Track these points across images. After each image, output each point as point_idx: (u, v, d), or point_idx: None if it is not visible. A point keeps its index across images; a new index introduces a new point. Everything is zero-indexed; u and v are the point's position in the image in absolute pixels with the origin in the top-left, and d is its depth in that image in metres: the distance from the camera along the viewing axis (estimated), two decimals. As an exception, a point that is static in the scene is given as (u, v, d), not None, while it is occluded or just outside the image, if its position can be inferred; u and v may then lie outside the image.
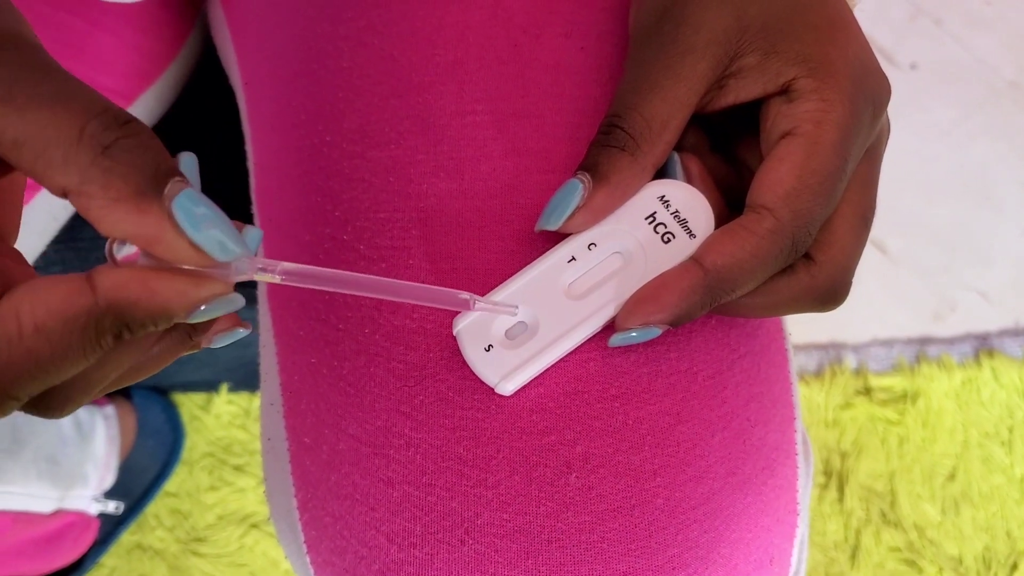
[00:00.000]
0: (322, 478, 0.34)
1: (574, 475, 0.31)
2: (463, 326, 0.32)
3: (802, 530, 0.36)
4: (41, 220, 0.49)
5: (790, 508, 0.35)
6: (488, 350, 0.31)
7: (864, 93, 0.31)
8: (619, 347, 0.33)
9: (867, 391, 0.93)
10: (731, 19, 0.31)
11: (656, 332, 0.30)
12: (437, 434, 0.32)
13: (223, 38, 0.50)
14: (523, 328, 0.32)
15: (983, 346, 0.96)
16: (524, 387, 0.32)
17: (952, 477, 0.90)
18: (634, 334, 0.30)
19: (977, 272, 0.98)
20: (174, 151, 0.24)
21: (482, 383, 0.32)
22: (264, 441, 0.39)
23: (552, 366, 0.32)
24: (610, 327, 0.32)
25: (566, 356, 0.32)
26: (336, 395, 0.35)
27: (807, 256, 0.31)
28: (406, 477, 0.32)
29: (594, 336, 0.32)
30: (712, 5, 0.31)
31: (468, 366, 0.32)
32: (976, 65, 1.03)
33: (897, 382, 0.93)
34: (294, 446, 0.36)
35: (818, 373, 0.94)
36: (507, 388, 0.31)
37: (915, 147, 1.01)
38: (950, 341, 0.96)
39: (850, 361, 0.95)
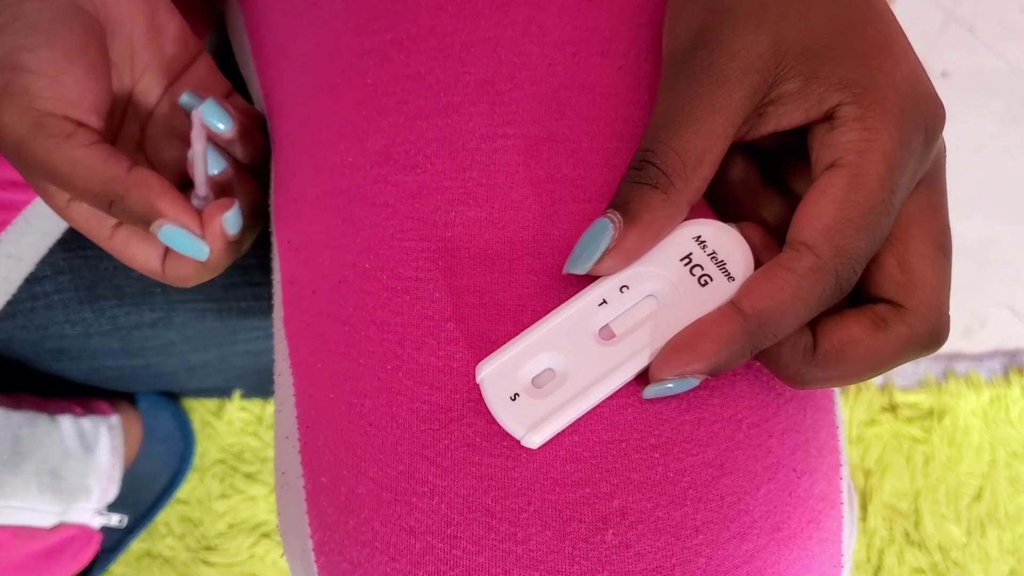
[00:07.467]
0: (340, 521, 0.33)
1: (610, 531, 0.29)
2: (486, 373, 0.30)
3: (846, 583, 0.34)
4: (43, 221, 0.48)
5: (835, 561, 0.33)
6: (514, 399, 0.29)
7: (914, 119, 0.29)
8: None
9: (892, 408, 0.91)
10: (768, 43, 0.29)
11: (694, 383, 0.28)
12: (463, 483, 0.30)
13: (241, 44, 0.48)
14: (551, 375, 0.30)
15: (1012, 363, 0.93)
16: (557, 434, 0.30)
17: (978, 497, 0.88)
18: (670, 385, 0.28)
19: (1008, 288, 0.96)
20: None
21: None
22: (278, 475, 0.37)
23: (587, 412, 0.30)
24: (644, 374, 0.30)
25: (601, 402, 0.30)
26: (355, 434, 0.33)
27: (896, 305, 0.29)
28: (429, 528, 0.30)
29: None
30: (747, 29, 0.29)
31: None
32: (1010, 74, 1.01)
33: (923, 399, 0.91)
34: (310, 484, 0.34)
35: (843, 388, 0.92)
36: (534, 441, 0.29)
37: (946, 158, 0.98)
38: (978, 358, 0.94)
39: (876, 376, 0.92)
